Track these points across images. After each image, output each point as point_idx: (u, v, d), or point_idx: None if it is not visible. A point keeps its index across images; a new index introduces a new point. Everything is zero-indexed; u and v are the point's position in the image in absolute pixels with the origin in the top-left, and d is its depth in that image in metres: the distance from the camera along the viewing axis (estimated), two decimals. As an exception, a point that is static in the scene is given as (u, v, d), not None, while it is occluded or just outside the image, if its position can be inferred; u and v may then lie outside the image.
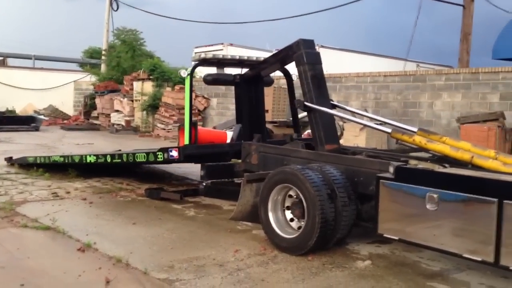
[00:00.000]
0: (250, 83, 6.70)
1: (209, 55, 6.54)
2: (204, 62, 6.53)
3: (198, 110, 17.08)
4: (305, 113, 13.14)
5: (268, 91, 13.13)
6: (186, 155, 6.08)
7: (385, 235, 3.97)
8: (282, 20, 21.53)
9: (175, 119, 16.49)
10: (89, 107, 22.43)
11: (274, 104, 13.08)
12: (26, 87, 24.47)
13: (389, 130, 4.85)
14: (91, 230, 5.14)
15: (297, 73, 5.74)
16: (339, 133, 11.66)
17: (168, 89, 17.25)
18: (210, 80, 6.66)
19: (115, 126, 19.06)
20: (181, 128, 6.39)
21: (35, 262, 4.21)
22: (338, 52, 17.38)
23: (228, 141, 6.61)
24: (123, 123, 19.41)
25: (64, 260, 4.30)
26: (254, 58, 6.80)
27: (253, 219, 5.21)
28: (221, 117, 16.66)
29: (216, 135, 6.70)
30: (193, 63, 6.49)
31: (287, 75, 6.98)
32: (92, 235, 4.95)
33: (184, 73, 6.23)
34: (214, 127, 14.70)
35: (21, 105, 23.76)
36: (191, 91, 6.22)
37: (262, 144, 5.84)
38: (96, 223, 5.45)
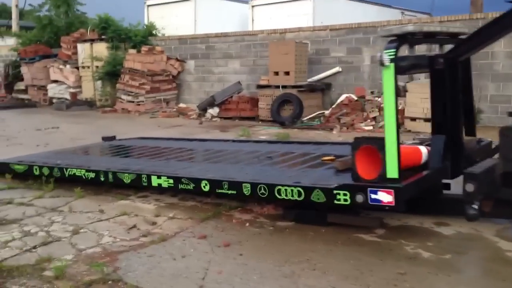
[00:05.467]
0: (458, 67, 4.27)
1: (417, 27, 3.91)
2: (407, 38, 3.86)
3: (172, 76, 14.09)
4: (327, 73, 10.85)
5: (288, 48, 10.70)
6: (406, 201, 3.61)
7: None
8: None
9: (148, 88, 13.43)
10: (12, 78, 18.26)
11: (296, 64, 10.62)
12: None
13: None
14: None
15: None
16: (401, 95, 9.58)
17: (132, 51, 13.99)
18: (406, 67, 4.02)
19: (60, 100, 15.42)
20: (361, 146, 3.77)
21: None
22: (331, 1, 15.07)
23: (424, 160, 4.12)
24: (67, 97, 15.82)
25: None
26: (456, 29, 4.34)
27: None
28: (202, 83, 13.86)
29: (410, 154, 4.08)
30: (387, 40, 3.83)
31: None
32: None
33: (386, 60, 3.64)
34: (213, 96, 11.96)
35: None
36: (396, 86, 3.63)
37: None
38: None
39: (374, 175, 3.74)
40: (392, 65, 3.59)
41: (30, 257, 3.64)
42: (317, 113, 10.59)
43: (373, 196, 3.58)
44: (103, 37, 14.90)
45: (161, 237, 4.01)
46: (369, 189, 3.59)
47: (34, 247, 3.85)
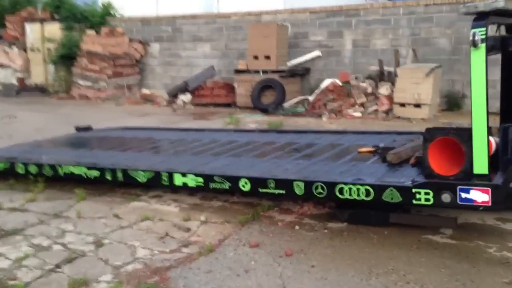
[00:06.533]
0: None
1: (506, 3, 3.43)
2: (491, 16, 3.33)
3: (136, 60, 13.16)
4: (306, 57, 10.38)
5: (270, 31, 10.15)
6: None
7: None
8: None
9: (110, 73, 12.46)
10: None
11: (278, 48, 10.09)
12: None
13: None
14: None
15: None
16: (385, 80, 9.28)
17: (91, 32, 12.92)
18: (491, 48, 3.56)
19: (9, 86, 14.07)
20: (437, 138, 3.40)
21: None
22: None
23: (493, 151, 3.75)
24: (14, 82, 14.48)
25: None
26: None
27: None
28: (167, 67, 13.03)
29: None
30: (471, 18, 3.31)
31: None
32: None
33: (478, 39, 3.14)
34: (186, 82, 11.22)
35: None
36: (486, 70, 3.18)
37: None
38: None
39: (453, 171, 3.34)
40: (483, 45, 3.16)
41: (59, 280, 2.99)
42: (299, 98, 10.14)
43: (463, 195, 3.16)
44: (56, 17, 13.69)
45: (207, 247, 3.43)
46: (459, 187, 3.17)
47: (58, 266, 3.18)
